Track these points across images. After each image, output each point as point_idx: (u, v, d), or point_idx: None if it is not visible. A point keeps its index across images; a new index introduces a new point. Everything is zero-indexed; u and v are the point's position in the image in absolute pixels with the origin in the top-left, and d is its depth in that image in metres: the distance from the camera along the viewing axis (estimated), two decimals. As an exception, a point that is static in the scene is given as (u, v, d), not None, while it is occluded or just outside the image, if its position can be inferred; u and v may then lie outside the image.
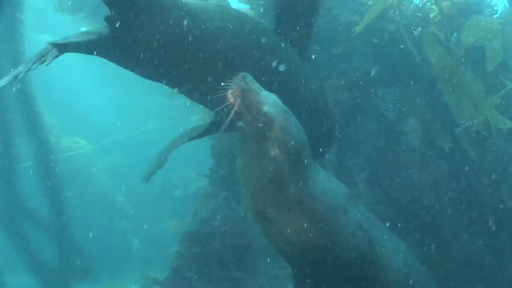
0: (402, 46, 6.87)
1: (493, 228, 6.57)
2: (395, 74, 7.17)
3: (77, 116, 17.68)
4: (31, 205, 10.46)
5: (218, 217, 8.10)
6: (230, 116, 4.09)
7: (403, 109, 6.91)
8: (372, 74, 6.92)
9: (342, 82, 7.20)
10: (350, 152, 7.39)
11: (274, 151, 4.19)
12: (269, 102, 4.20)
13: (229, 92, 4.10)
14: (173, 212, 15.09)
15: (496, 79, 6.62)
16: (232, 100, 4.09)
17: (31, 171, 10.64)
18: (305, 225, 4.41)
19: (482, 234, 6.76)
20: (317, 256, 4.52)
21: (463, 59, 6.32)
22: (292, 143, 4.22)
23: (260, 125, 4.13)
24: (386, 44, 7.08)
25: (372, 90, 7.07)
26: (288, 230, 4.45)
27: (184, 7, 4.54)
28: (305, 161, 4.39)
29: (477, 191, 6.76)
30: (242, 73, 4.22)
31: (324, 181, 4.62)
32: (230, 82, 4.13)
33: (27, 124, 10.58)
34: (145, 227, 15.77)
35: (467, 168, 6.78)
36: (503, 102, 6.41)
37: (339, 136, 7.23)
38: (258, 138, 4.20)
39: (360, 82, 7.08)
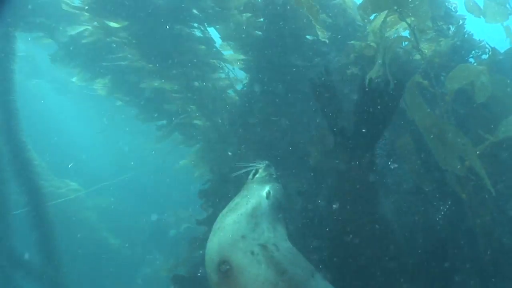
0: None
1: (487, 269, 6.46)
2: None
3: (68, 159, 17.51)
4: (22, 253, 10.21)
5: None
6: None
7: (394, 153, 6.84)
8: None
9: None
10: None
11: (268, 189, 5.33)
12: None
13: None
14: (167, 252, 14.86)
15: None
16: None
17: (22, 219, 10.43)
18: (268, 275, 4.45)
19: (475, 275, 6.64)
20: None
21: (448, 107, 6.26)
22: (283, 200, 5.45)
23: (269, 176, 5.65)
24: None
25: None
26: (252, 283, 4.42)
27: None
28: (283, 220, 5.23)
29: (470, 232, 6.66)
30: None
31: (291, 247, 4.96)
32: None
33: (18, 171, 10.43)
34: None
35: (458, 209, 6.70)
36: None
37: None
38: (262, 181, 5.49)
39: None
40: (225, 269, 4.52)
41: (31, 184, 10.52)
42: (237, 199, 5.35)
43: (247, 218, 4.91)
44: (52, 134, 18.02)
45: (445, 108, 6.42)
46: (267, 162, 5.90)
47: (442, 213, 6.92)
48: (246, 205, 5.11)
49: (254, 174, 5.69)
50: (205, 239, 8.54)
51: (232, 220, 4.93)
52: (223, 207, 8.24)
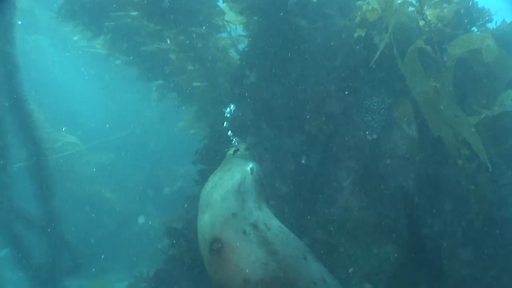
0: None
1: (480, 237, 6.50)
2: (383, 82, 7.02)
3: (66, 114, 17.36)
4: (23, 204, 10.20)
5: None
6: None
7: (391, 119, 6.76)
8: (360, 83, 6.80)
9: (332, 90, 7.06)
10: (337, 159, 7.25)
11: (252, 165, 5.26)
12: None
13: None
14: (162, 209, 14.89)
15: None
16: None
17: (23, 171, 10.39)
18: (259, 254, 4.44)
19: (468, 243, 6.69)
20: None
21: (448, 75, 6.17)
22: (262, 179, 5.37)
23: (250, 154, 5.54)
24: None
25: (362, 99, 6.93)
26: (244, 263, 4.36)
27: None
28: (264, 198, 5.24)
29: (464, 199, 6.67)
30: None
31: (281, 226, 4.91)
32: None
33: (19, 124, 10.33)
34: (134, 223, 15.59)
35: (453, 176, 6.69)
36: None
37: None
38: (245, 157, 5.42)
39: (350, 92, 6.94)
40: (217, 247, 4.54)
41: (32, 137, 10.44)
42: (219, 173, 5.28)
43: (234, 194, 4.88)
44: (51, 89, 17.78)
45: (444, 76, 6.34)
46: (247, 145, 5.91)
47: (434, 178, 6.91)
48: (232, 180, 5.05)
49: (235, 151, 5.62)
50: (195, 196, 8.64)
51: (219, 197, 4.90)
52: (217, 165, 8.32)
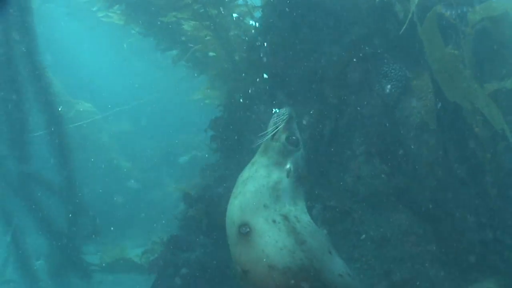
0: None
1: (493, 203, 6.44)
2: (402, 51, 6.89)
3: (84, 83, 17.39)
4: (42, 171, 10.33)
5: (224, 185, 7.93)
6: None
7: (407, 87, 6.65)
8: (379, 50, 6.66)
9: (350, 57, 6.94)
10: (351, 126, 7.19)
11: (289, 166, 5.11)
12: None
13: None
14: (177, 178, 14.97)
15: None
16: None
17: (41, 140, 10.48)
18: (288, 242, 4.46)
19: (480, 211, 6.62)
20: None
21: (467, 43, 6.02)
22: (304, 171, 5.33)
23: (290, 146, 5.26)
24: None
25: (378, 66, 6.81)
26: (270, 249, 4.38)
27: None
28: (303, 194, 5.20)
29: (479, 168, 6.60)
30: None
31: (310, 221, 4.95)
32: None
33: (37, 93, 10.37)
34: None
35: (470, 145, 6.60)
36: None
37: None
38: (283, 152, 5.22)
39: (366, 58, 6.82)
40: (245, 231, 4.55)
41: (50, 105, 10.48)
42: (256, 166, 5.24)
43: (269, 190, 4.88)
44: (68, 59, 17.78)
45: (463, 44, 6.20)
46: (288, 112, 5.64)
47: (450, 147, 6.83)
48: (268, 178, 5.03)
49: (273, 137, 5.42)
50: (216, 165, 8.68)
51: (254, 188, 4.91)
52: (232, 136, 8.30)
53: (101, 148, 16.17)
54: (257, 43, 8.05)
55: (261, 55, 7.83)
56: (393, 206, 6.97)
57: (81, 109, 15.65)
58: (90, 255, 11.46)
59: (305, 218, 4.92)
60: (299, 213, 4.90)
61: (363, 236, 6.82)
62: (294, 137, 5.44)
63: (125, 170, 16.26)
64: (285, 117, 5.48)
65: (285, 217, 4.65)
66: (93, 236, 11.06)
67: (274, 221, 4.58)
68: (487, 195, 6.68)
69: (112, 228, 12.75)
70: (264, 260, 4.37)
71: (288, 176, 5.08)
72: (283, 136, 5.37)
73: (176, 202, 13.40)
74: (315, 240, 4.69)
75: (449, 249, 6.70)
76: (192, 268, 7.76)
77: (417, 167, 6.89)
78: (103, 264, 11.63)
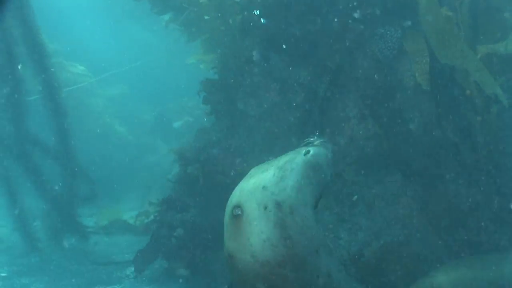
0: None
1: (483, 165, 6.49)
2: (398, 13, 6.80)
3: (79, 46, 17.10)
4: (38, 134, 10.26)
5: (218, 146, 7.95)
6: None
7: (402, 49, 6.59)
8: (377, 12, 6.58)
9: (344, 19, 6.85)
10: (345, 89, 7.16)
11: (310, 149, 4.94)
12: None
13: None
14: (171, 143, 14.95)
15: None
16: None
17: (37, 103, 10.39)
18: (272, 235, 4.29)
19: (469, 171, 6.68)
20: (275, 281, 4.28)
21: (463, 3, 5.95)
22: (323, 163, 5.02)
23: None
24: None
25: (374, 28, 6.73)
26: (255, 239, 4.29)
27: None
28: (316, 187, 4.79)
29: (468, 128, 6.62)
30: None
31: (306, 216, 4.59)
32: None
33: (32, 56, 10.21)
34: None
35: (457, 107, 6.61)
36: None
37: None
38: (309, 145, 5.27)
39: (362, 20, 6.73)
40: (237, 213, 4.43)
41: (44, 68, 10.34)
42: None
43: (275, 169, 4.64)
44: (61, 21, 17.45)
45: (458, 6, 6.13)
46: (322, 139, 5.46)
47: (442, 110, 6.83)
48: (282, 157, 4.83)
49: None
50: (210, 128, 8.66)
51: (262, 169, 4.74)
52: (226, 99, 8.25)
53: (96, 113, 16.04)
54: (251, 6, 7.92)
55: (256, 18, 7.72)
56: (385, 168, 7.01)
57: (75, 72, 15.45)
58: (85, 218, 11.53)
59: (303, 211, 4.55)
60: (299, 203, 4.54)
61: (355, 197, 6.87)
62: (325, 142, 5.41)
63: (119, 134, 16.17)
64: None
65: (279, 205, 4.40)
66: (89, 199, 11.06)
67: (265, 208, 4.37)
68: (478, 158, 6.73)
69: (107, 192, 12.78)
70: (248, 249, 4.29)
71: (304, 154, 4.83)
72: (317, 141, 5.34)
73: (171, 166, 13.44)
74: (303, 237, 4.45)
75: (439, 211, 6.77)
76: (187, 228, 7.85)
77: (410, 129, 6.90)
78: (99, 227, 11.72)
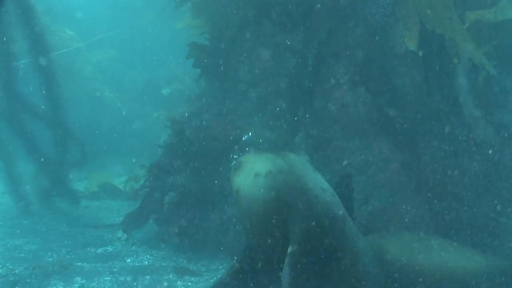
0: None
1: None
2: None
3: (65, 10, 16.67)
4: (29, 98, 10.11)
5: (210, 111, 7.94)
6: None
7: (395, 14, 6.56)
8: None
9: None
10: (336, 56, 7.13)
11: None
12: None
13: None
14: (160, 109, 14.82)
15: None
16: None
17: (27, 66, 10.19)
18: (271, 156, 4.65)
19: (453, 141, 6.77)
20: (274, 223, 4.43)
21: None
22: None
23: None
24: None
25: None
26: (258, 163, 4.59)
27: None
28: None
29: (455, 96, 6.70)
30: None
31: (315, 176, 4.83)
32: None
33: (22, 18, 9.96)
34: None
35: (446, 74, 6.66)
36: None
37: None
38: None
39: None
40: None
41: (33, 31, 10.11)
42: None
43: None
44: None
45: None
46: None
47: (431, 77, 6.87)
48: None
49: None
50: (201, 93, 8.61)
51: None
52: (217, 64, 8.18)
53: (84, 78, 15.79)
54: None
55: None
56: (375, 134, 7.06)
57: (64, 36, 15.11)
58: (76, 182, 11.51)
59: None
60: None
61: (345, 162, 6.94)
62: None
63: (108, 100, 15.99)
64: None
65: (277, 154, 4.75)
66: (80, 163, 11.00)
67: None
68: (465, 125, 6.82)
69: (96, 157, 12.73)
70: (252, 171, 4.53)
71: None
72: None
73: (160, 132, 13.39)
74: (298, 160, 4.88)
75: (425, 178, 6.88)
76: (178, 192, 7.87)
77: (399, 95, 6.94)
78: (89, 191, 11.71)
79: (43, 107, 10.18)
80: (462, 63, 6.48)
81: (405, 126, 6.96)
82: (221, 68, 8.14)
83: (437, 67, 6.84)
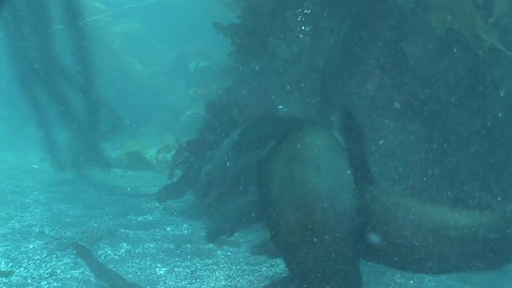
0: None
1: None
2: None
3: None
4: (62, 62, 10.20)
5: (247, 87, 8.03)
6: None
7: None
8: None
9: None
10: (374, 37, 7.17)
11: None
12: None
13: None
14: (188, 83, 14.94)
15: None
16: None
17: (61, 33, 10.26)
18: None
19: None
20: None
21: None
22: None
23: None
24: None
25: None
26: None
27: None
28: None
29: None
30: None
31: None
32: None
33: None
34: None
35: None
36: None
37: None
38: None
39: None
40: None
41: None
42: None
43: None
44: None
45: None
46: None
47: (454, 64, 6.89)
48: None
49: None
50: (236, 71, 8.69)
51: None
52: (253, 41, 8.22)
53: (114, 51, 15.93)
54: None
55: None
56: (409, 116, 7.13)
57: (92, 7, 15.13)
58: (108, 151, 11.74)
59: None
60: None
61: (381, 142, 7.03)
62: None
63: (139, 72, 16.13)
64: None
65: None
66: (112, 133, 11.13)
67: None
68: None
69: (128, 128, 12.92)
70: None
71: None
72: None
73: (189, 105, 13.55)
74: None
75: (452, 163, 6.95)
76: (215, 166, 8.03)
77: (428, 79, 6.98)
78: (122, 161, 11.93)
79: (77, 74, 10.26)
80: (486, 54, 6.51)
81: (436, 108, 7.02)
82: (259, 45, 8.22)
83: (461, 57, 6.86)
